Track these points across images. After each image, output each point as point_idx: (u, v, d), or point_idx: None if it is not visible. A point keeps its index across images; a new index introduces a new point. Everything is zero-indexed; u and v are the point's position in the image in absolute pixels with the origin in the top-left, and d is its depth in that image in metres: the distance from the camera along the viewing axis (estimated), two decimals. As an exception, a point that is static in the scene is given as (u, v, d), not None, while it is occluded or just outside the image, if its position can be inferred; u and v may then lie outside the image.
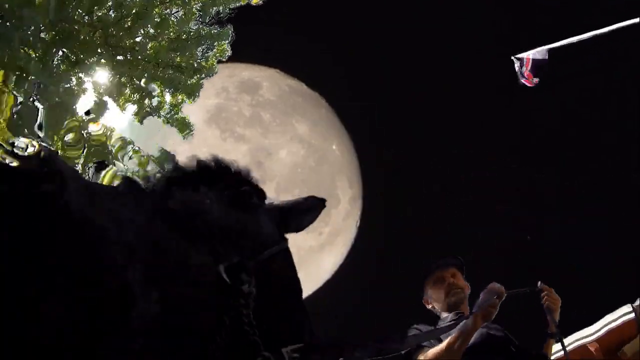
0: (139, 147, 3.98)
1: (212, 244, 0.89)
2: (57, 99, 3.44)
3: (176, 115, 4.31)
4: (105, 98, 3.94)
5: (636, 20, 6.94)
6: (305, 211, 1.22)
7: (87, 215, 0.70)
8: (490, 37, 14.06)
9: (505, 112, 16.37)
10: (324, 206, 1.24)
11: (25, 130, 4.11)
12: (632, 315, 6.49)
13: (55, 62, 3.76)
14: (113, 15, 3.38)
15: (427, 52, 16.26)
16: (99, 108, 3.91)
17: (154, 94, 4.08)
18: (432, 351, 2.28)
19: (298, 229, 1.22)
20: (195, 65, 3.87)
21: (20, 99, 3.77)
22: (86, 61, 3.65)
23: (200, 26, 4.22)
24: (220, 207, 1.02)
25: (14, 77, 3.52)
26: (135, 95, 3.97)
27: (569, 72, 13.37)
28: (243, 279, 0.88)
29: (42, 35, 3.58)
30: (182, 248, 0.85)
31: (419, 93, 16.73)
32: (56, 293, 0.62)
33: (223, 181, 1.10)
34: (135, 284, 0.70)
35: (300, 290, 1.12)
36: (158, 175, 1.09)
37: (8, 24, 2.93)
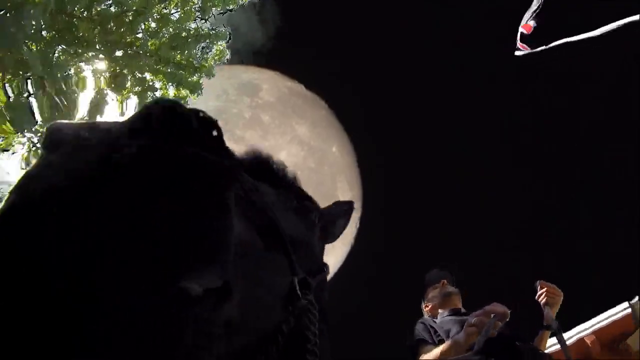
0: None
1: (288, 253, 0.84)
2: (58, 89, 3.44)
3: None
4: (106, 91, 3.93)
5: (636, 17, 6.90)
6: (340, 225, 1.15)
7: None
8: (492, 38, 14.09)
9: (505, 113, 16.40)
10: (353, 209, 1.16)
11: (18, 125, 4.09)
12: (629, 310, 6.48)
13: (55, 56, 3.76)
14: (113, 11, 3.40)
15: (427, 53, 16.30)
16: (100, 101, 3.89)
17: (156, 86, 4.08)
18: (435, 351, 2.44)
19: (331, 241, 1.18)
20: (195, 64, 3.88)
21: (11, 95, 3.74)
22: (84, 55, 3.67)
23: (198, 26, 4.24)
24: (292, 216, 0.96)
25: (10, 77, 3.51)
26: (137, 88, 3.97)
27: (569, 71, 13.40)
28: (308, 296, 0.85)
29: (43, 33, 3.59)
30: (266, 252, 0.80)
31: (419, 94, 16.78)
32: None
33: (285, 187, 1.02)
34: (232, 281, 0.64)
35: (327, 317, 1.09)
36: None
37: (8, 14, 2.93)
